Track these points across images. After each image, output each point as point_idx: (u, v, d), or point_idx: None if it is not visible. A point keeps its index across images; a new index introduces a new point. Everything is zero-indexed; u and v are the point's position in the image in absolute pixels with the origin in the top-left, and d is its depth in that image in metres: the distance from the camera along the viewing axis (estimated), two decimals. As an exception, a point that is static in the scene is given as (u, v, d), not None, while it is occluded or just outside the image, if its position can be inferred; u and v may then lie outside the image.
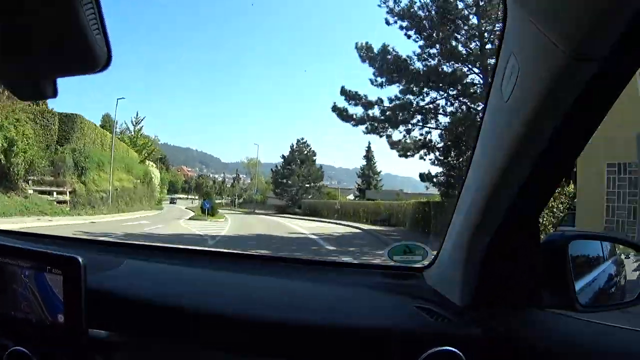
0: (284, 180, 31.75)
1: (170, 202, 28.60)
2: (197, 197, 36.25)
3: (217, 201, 32.96)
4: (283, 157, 33.51)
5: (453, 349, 0.73)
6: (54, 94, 0.70)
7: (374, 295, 0.97)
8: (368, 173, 30.96)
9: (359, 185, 32.06)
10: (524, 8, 0.55)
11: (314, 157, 32.01)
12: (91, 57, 0.58)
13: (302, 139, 32.64)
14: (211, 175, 39.82)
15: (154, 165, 25.55)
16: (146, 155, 26.29)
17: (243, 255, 1.41)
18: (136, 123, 25.26)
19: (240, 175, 38.57)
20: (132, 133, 25.96)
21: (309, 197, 29.87)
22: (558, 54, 0.49)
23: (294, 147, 32.63)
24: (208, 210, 18.91)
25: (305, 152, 32.66)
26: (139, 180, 22.13)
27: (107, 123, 25.49)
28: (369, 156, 33.76)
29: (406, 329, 0.80)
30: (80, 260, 0.77)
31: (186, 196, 36.64)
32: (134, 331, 0.86)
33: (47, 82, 0.68)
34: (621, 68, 0.49)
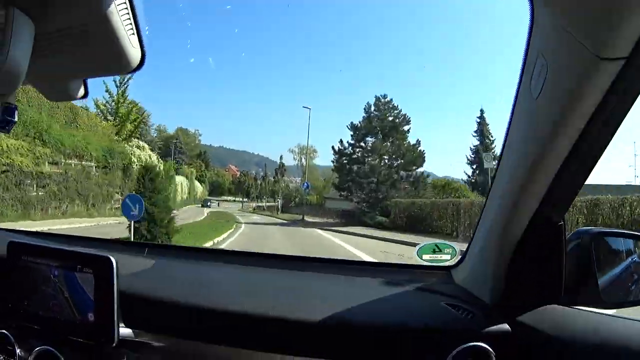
0: (356, 167, 18.82)
1: (202, 205, 26.13)
2: (241, 199, 32.86)
3: (258, 204, 28.70)
4: (352, 126, 20.21)
5: (483, 345, 0.84)
6: (85, 94, 0.72)
7: (403, 294, 1.10)
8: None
9: (468, 176, 20.15)
10: (551, 8, 0.64)
11: (406, 126, 17.60)
12: (123, 58, 0.59)
13: (384, 96, 19.65)
14: (255, 172, 34.94)
15: (146, 147, 18.69)
16: (132, 130, 18.14)
17: (271, 255, 1.58)
18: (120, 84, 17.86)
19: (294, 179, 31.22)
20: (114, 97, 17.92)
21: (397, 194, 17.15)
22: (585, 53, 0.58)
23: (371, 109, 17.74)
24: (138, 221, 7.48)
25: (392, 117, 17.85)
26: (91, 164, 13.57)
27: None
28: (483, 130, 20.74)
29: (436, 326, 0.91)
30: (112, 259, 0.87)
31: (233, 198, 33.39)
32: (162, 330, 0.97)
33: (76, 83, 0.69)
34: None
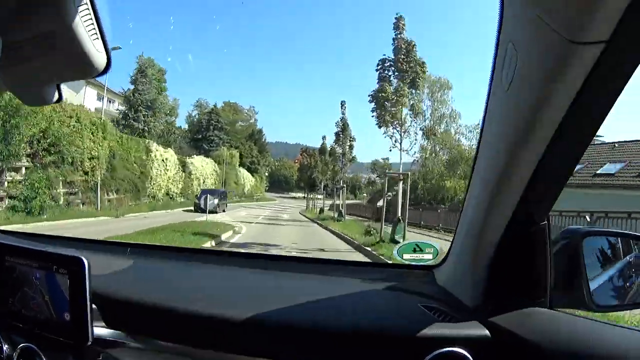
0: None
1: (196, 207, 14.93)
2: (306, 194, 23.83)
3: (325, 211, 18.75)
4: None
5: (460, 350, 0.81)
6: (59, 98, 0.75)
7: (382, 294, 1.09)
8: None
9: None
10: None
11: None
12: (90, 63, 0.63)
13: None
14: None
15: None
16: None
17: (248, 254, 2.11)
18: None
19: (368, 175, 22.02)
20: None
21: None
22: (556, 39, 0.56)
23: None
24: None
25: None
26: None
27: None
28: None
29: (410, 330, 0.87)
30: (84, 260, 0.89)
31: (303, 194, 25.54)
32: (140, 331, 1.00)
33: (50, 88, 0.73)
34: (627, 51, 0.55)
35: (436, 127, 14.25)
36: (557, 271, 0.85)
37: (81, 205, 11.12)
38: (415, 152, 13.74)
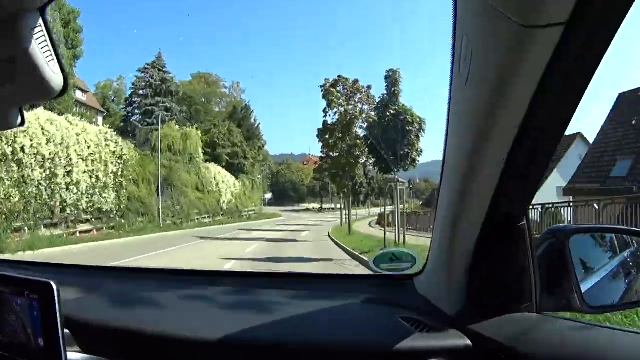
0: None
1: None
2: (318, 205, 18.54)
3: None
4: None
5: None
6: (22, 122, 0.77)
7: (361, 307, 1.08)
8: None
9: None
10: None
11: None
12: (47, 84, 0.66)
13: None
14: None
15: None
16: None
17: (221, 273, 1.66)
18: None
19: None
20: None
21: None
22: (510, 25, 0.52)
23: None
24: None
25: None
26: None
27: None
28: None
29: (392, 342, 0.83)
30: (53, 284, 0.88)
31: (319, 205, 19.60)
32: (112, 354, 0.97)
33: (13, 112, 0.76)
34: (593, 32, 0.51)
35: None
36: (543, 273, 0.82)
37: None
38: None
